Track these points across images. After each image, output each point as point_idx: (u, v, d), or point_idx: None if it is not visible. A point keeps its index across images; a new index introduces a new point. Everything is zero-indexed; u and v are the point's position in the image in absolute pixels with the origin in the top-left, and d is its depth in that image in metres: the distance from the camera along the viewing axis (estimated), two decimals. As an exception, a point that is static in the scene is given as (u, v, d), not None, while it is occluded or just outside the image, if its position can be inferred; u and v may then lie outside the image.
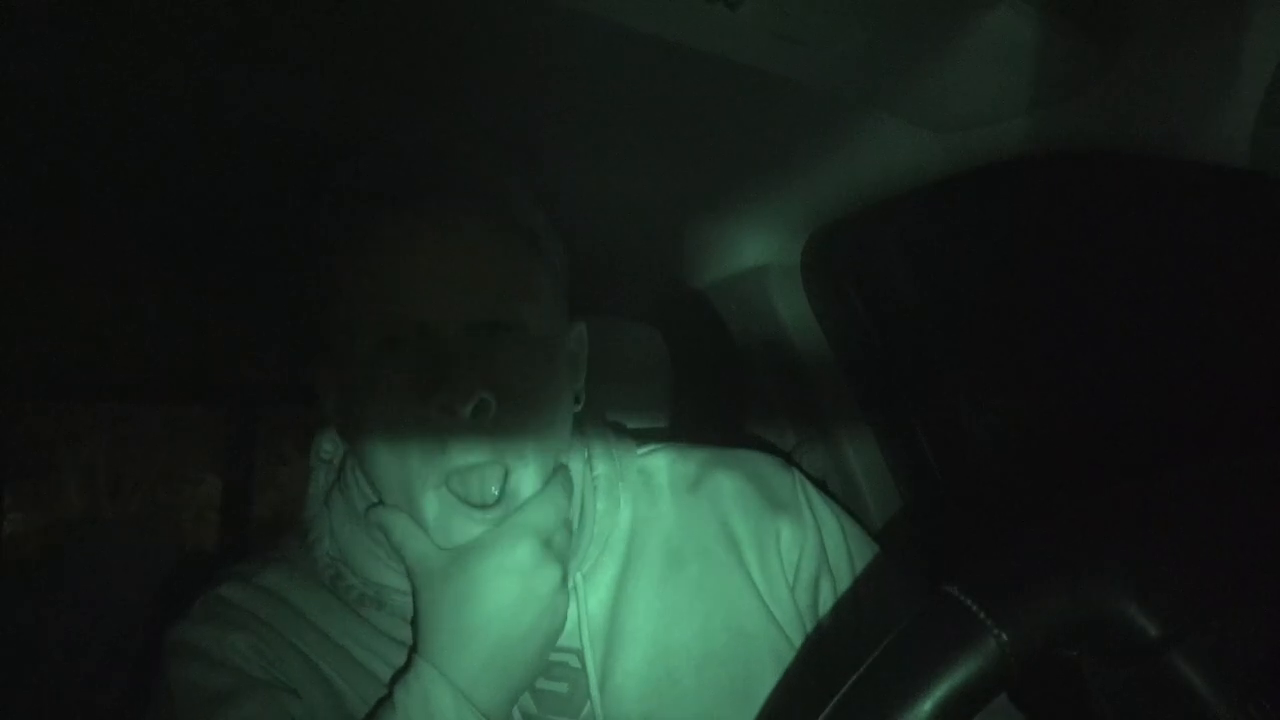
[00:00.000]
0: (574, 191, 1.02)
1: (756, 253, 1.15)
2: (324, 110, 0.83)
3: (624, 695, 0.68)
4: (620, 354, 1.18)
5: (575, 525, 0.72)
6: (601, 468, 0.76)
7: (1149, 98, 0.66)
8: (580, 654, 0.69)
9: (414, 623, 0.66)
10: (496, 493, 0.64)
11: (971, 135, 0.80)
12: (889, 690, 0.37)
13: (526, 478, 0.66)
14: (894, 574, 0.80)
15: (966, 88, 0.73)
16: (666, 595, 0.72)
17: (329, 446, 0.77)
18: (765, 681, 0.70)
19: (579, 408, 0.74)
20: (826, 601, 0.75)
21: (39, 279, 1.37)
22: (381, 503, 0.69)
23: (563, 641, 0.69)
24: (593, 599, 0.72)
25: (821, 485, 1.13)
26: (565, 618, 0.67)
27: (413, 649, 0.65)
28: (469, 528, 0.64)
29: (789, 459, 1.16)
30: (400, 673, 0.64)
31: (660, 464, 0.80)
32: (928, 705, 0.36)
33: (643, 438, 0.85)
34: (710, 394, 1.40)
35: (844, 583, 0.76)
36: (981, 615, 0.38)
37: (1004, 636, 0.37)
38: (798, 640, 0.73)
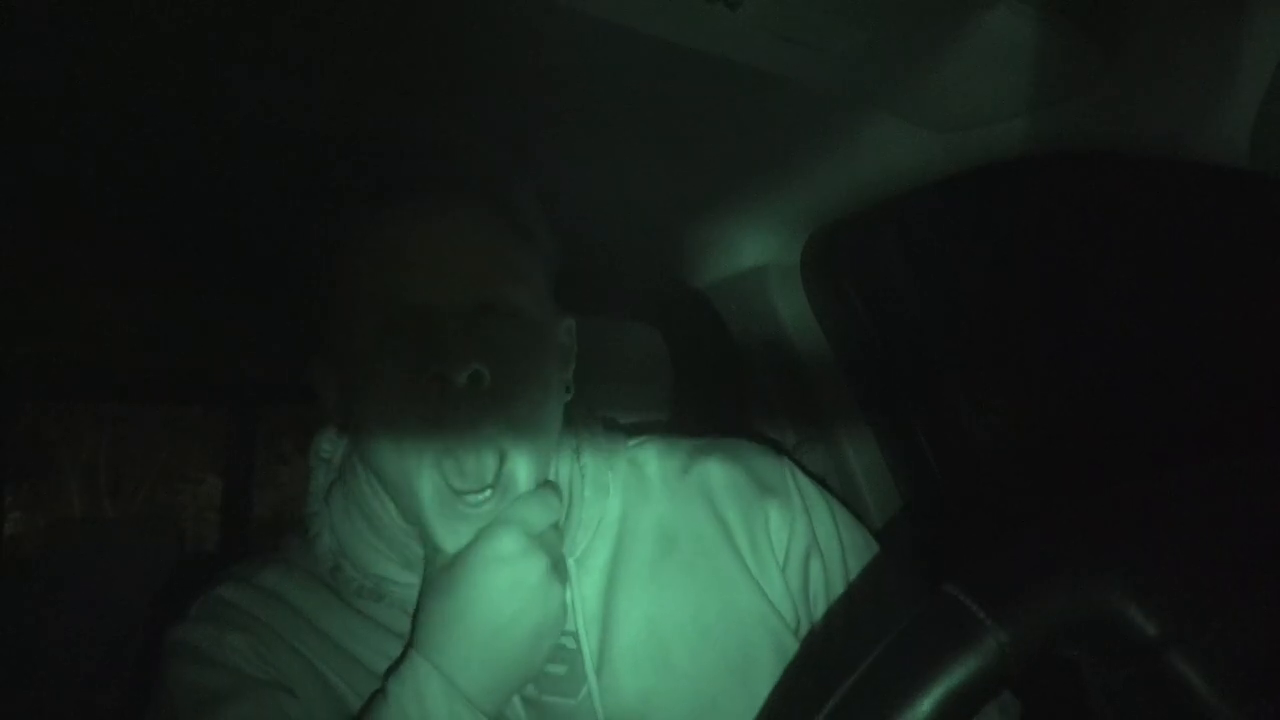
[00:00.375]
0: (574, 191, 1.03)
1: (756, 253, 1.15)
2: (324, 110, 0.83)
3: (620, 675, 0.70)
4: (620, 354, 1.19)
5: (565, 513, 0.74)
6: (590, 457, 0.78)
7: (1149, 98, 0.66)
8: (576, 636, 0.71)
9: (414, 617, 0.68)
10: (491, 479, 0.65)
11: (971, 135, 0.80)
12: (888, 690, 0.37)
13: (521, 463, 0.67)
14: (885, 559, 0.82)
15: (966, 88, 0.73)
16: (659, 577, 0.74)
17: (327, 446, 0.78)
18: (761, 659, 0.72)
19: (569, 397, 0.75)
20: (817, 581, 0.77)
21: (39, 279, 1.37)
22: (390, 500, 0.71)
23: None
24: (586, 582, 0.73)
25: (821, 485, 1.13)
26: (558, 610, 0.67)
27: (409, 644, 0.66)
28: (466, 519, 0.65)
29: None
30: (394, 665, 0.65)
31: (649, 454, 0.82)
32: (927, 705, 0.36)
33: (635, 433, 0.87)
34: (710, 394, 1.40)
35: (834, 563, 0.78)
36: (981, 615, 0.38)
37: (1004, 636, 0.37)
38: (791, 619, 0.75)
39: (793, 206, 1.06)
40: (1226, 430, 0.78)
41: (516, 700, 0.68)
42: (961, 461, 1.08)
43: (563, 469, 0.76)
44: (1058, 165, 0.79)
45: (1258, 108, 0.59)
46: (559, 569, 0.68)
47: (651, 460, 0.82)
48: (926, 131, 0.82)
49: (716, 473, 0.80)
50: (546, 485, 0.70)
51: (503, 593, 0.64)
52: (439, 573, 0.67)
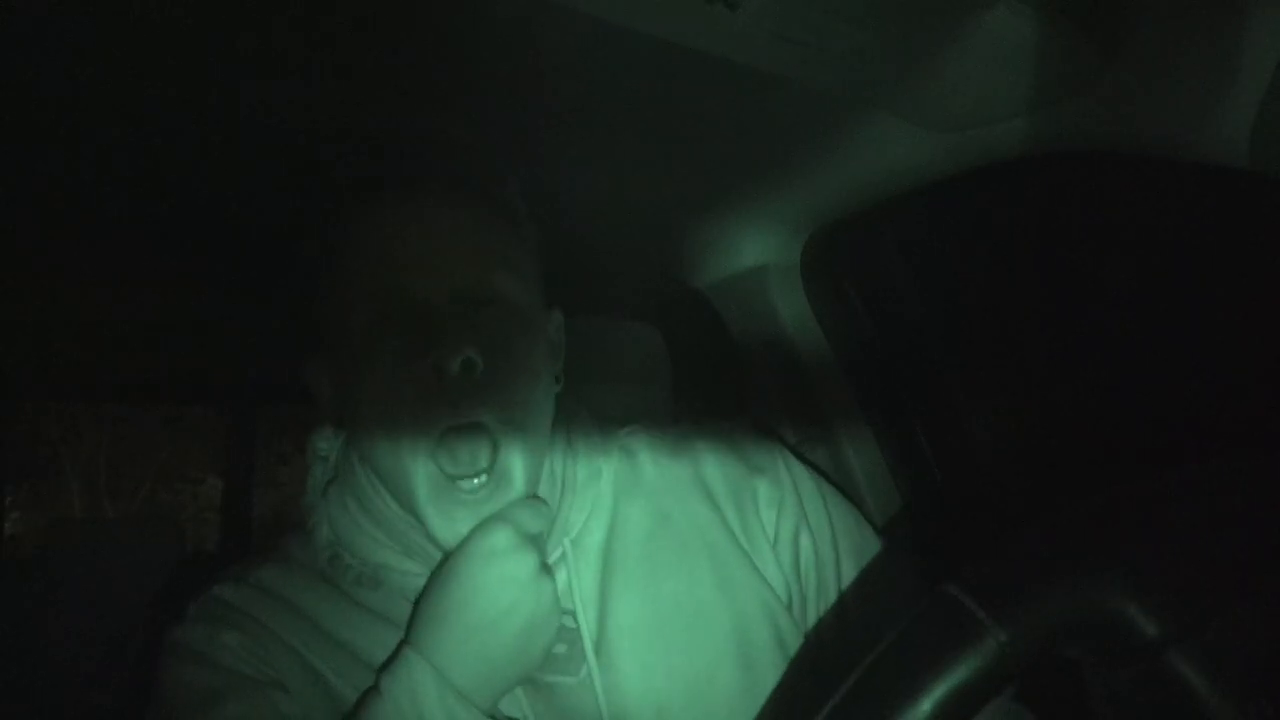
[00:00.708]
0: (574, 191, 1.03)
1: (756, 253, 1.15)
2: (323, 110, 0.83)
3: (619, 651, 0.71)
4: (620, 354, 1.19)
5: (559, 496, 0.75)
6: (582, 444, 0.80)
7: (1149, 98, 0.66)
8: (574, 615, 0.72)
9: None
10: (485, 465, 0.66)
11: (971, 135, 0.80)
12: (888, 690, 0.37)
13: (515, 450, 0.67)
14: (882, 545, 0.84)
15: (966, 88, 0.73)
16: (655, 555, 0.75)
17: (324, 444, 0.79)
18: (756, 634, 0.73)
19: (559, 388, 0.77)
20: (807, 557, 0.78)
21: (39, 279, 1.37)
22: (387, 492, 0.71)
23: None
24: (583, 563, 0.74)
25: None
26: (550, 606, 0.67)
27: (404, 639, 0.67)
28: (462, 505, 0.66)
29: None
30: (389, 660, 0.65)
31: (641, 440, 0.84)
32: (927, 705, 0.36)
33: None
34: (710, 394, 1.40)
35: (824, 540, 0.79)
36: (981, 615, 0.38)
37: (1004, 636, 0.37)
38: (784, 594, 0.76)
39: (793, 206, 1.06)
40: (1226, 430, 0.78)
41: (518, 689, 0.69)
42: (961, 461, 1.08)
43: (555, 455, 0.77)
44: (1058, 165, 0.79)
45: (1258, 108, 0.59)
46: (546, 572, 0.69)
47: (643, 447, 0.83)
48: (926, 131, 0.82)
49: (707, 454, 0.82)
50: (536, 498, 0.72)
51: (495, 587, 0.65)
52: (436, 569, 0.68)
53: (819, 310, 1.16)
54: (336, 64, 0.74)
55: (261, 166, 0.95)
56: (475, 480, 0.66)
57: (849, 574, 0.79)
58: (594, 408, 0.87)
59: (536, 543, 0.69)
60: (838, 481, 1.13)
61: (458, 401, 0.64)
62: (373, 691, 0.63)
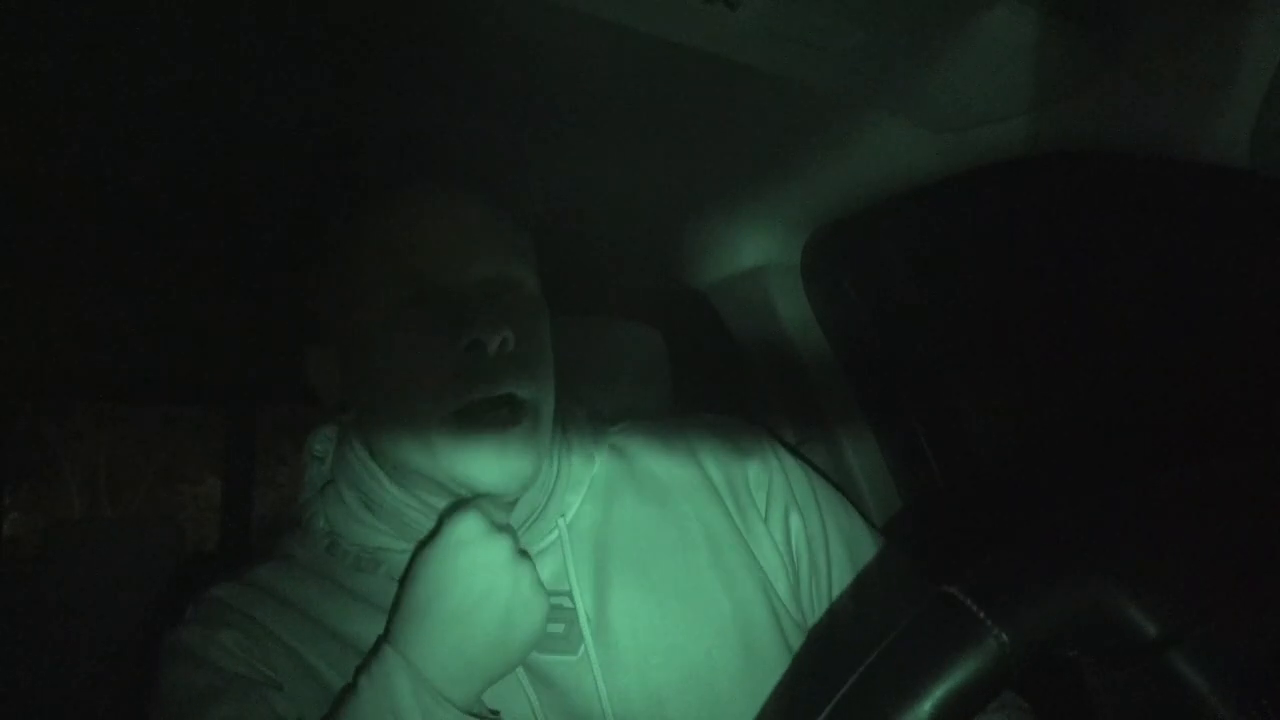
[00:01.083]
0: (575, 191, 1.03)
1: (756, 253, 1.15)
2: (324, 110, 0.83)
3: (617, 630, 0.72)
4: (620, 354, 1.19)
5: (555, 478, 0.77)
6: (575, 432, 0.82)
7: (1149, 98, 0.66)
8: (570, 595, 0.73)
9: None
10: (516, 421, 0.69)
11: (971, 135, 0.80)
12: (889, 690, 0.37)
13: (536, 423, 0.71)
14: (861, 517, 0.87)
15: (966, 88, 0.73)
16: (650, 537, 0.77)
17: (320, 447, 0.81)
18: (754, 613, 0.75)
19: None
20: (798, 536, 0.81)
21: (39, 279, 1.37)
22: (394, 483, 0.73)
23: (554, 585, 0.72)
24: (578, 543, 0.76)
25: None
26: (530, 590, 0.66)
27: (381, 636, 0.67)
28: (489, 440, 0.68)
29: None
30: (367, 657, 0.65)
31: (632, 434, 0.86)
32: (927, 705, 0.36)
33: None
34: (710, 394, 1.40)
35: (813, 521, 0.82)
36: (981, 615, 0.38)
37: (1004, 636, 0.37)
38: (778, 571, 0.79)
39: (793, 206, 1.06)
40: (1226, 430, 0.78)
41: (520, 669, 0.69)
42: (961, 461, 1.08)
43: (553, 442, 0.79)
44: (1058, 165, 0.79)
45: (1258, 108, 0.59)
46: (523, 558, 0.67)
47: (635, 440, 0.86)
48: (926, 131, 0.82)
49: (698, 439, 0.85)
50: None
51: (465, 575, 0.64)
52: (410, 560, 0.68)
53: (819, 310, 1.16)
54: (336, 64, 0.74)
55: (261, 166, 0.95)
56: (504, 426, 0.69)
57: (838, 553, 0.82)
58: (594, 407, 0.87)
59: (509, 531, 0.68)
60: (838, 481, 1.13)
61: (493, 375, 0.68)
62: (350, 689, 0.63)
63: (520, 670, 0.69)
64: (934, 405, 1.10)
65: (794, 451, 0.89)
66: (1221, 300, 0.82)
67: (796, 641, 0.77)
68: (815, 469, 0.88)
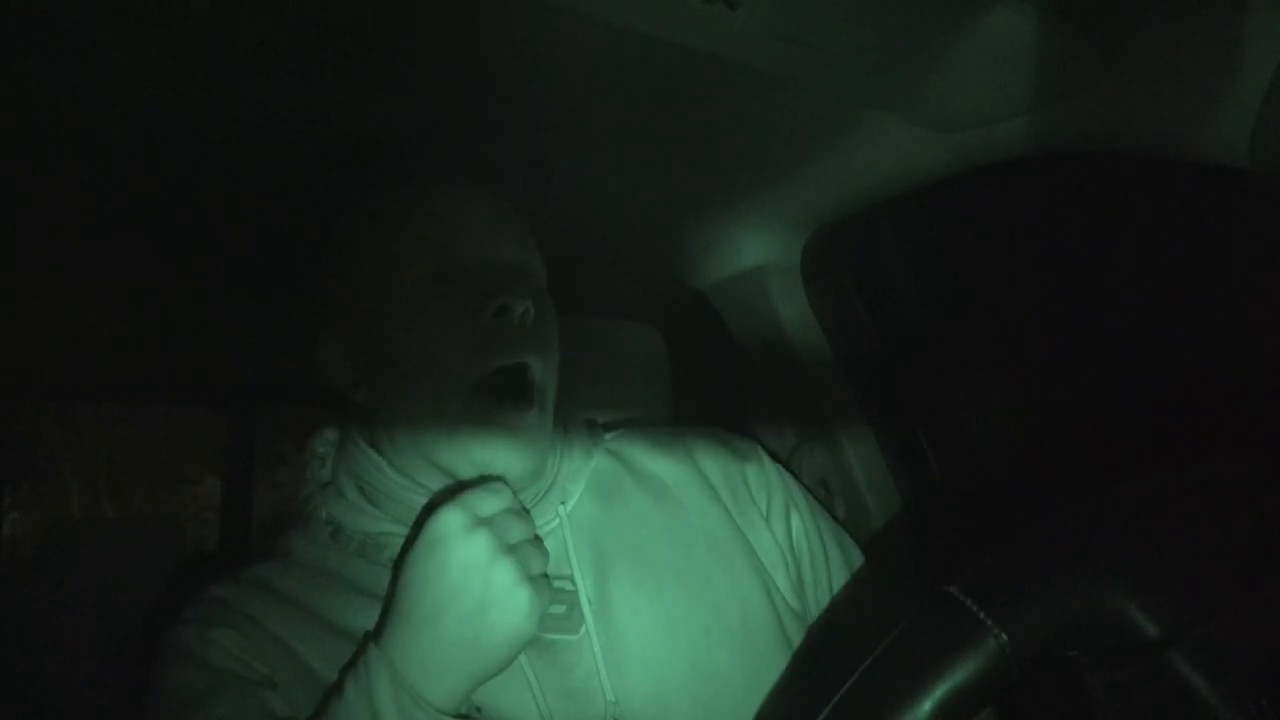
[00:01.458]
0: (575, 191, 1.03)
1: (756, 253, 1.15)
2: (324, 110, 0.83)
3: (618, 610, 0.73)
4: (620, 354, 1.19)
5: (557, 464, 0.80)
6: (574, 431, 0.84)
7: (1149, 98, 0.66)
8: (572, 578, 0.74)
9: None
10: (529, 399, 0.72)
11: (971, 135, 0.80)
12: (889, 690, 0.38)
13: (545, 399, 0.74)
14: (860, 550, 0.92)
15: (966, 87, 0.73)
16: (647, 525, 0.79)
17: (321, 447, 0.83)
18: (752, 600, 0.77)
19: None
20: (799, 534, 0.85)
21: (39, 279, 1.37)
22: (395, 470, 0.75)
23: (555, 570, 0.73)
24: (578, 529, 0.77)
25: (822, 485, 1.14)
26: (509, 585, 0.64)
27: (368, 633, 0.67)
28: (502, 425, 0.71)
29: (789, 458, 1.17)
30: (353, 656, 0.65)
31: (628, 436, 0.89)
32: (928, 705, 0.36)
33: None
34: (710, 394, 1.40)
35: (809, 520, 0.87)
36: (981, 615, 0.38)
37: (1004, 636, 0.37)
38: (782, 569, 0.82)
39: (793, 206, 1.06)
40: (1226, 430, 0.78)
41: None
42: (961, 461, 1.08)
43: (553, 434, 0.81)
44: (1058, 165, 0.79)
45: (1258, 108, 0.59)
46: (505, 553, 0.65)
47: (630, 442, 0.88)
48: (926, 131, 0.82)
49: (693, 443, 0.88)
50: (498, 480, 0.71)
51: (436, 575, 0.63)
52: (397, 558, 0.69)
53: (819, 310, 1.16)
54: (336, 64, 0.74)
55: (262, 166, 0.95)
56: (519, 405, 0.71)
57: (835, 554, 0.87)
58: (594, 407, 0.88)
59: (493, 525, 0.66)
60: (838, 481, 1.14)
61: (515, 343, 0.72)
62: (336, 687, 0.63)
63: (522, 656, 0.69)
64: (934, 405, 1.10)
65: (822, 486, 0.97)
66: (1221, 300, 0.82)
67: (794, 630, 0.78)
68: (827, 485, 0.96)
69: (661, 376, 1.24)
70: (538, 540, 0.69)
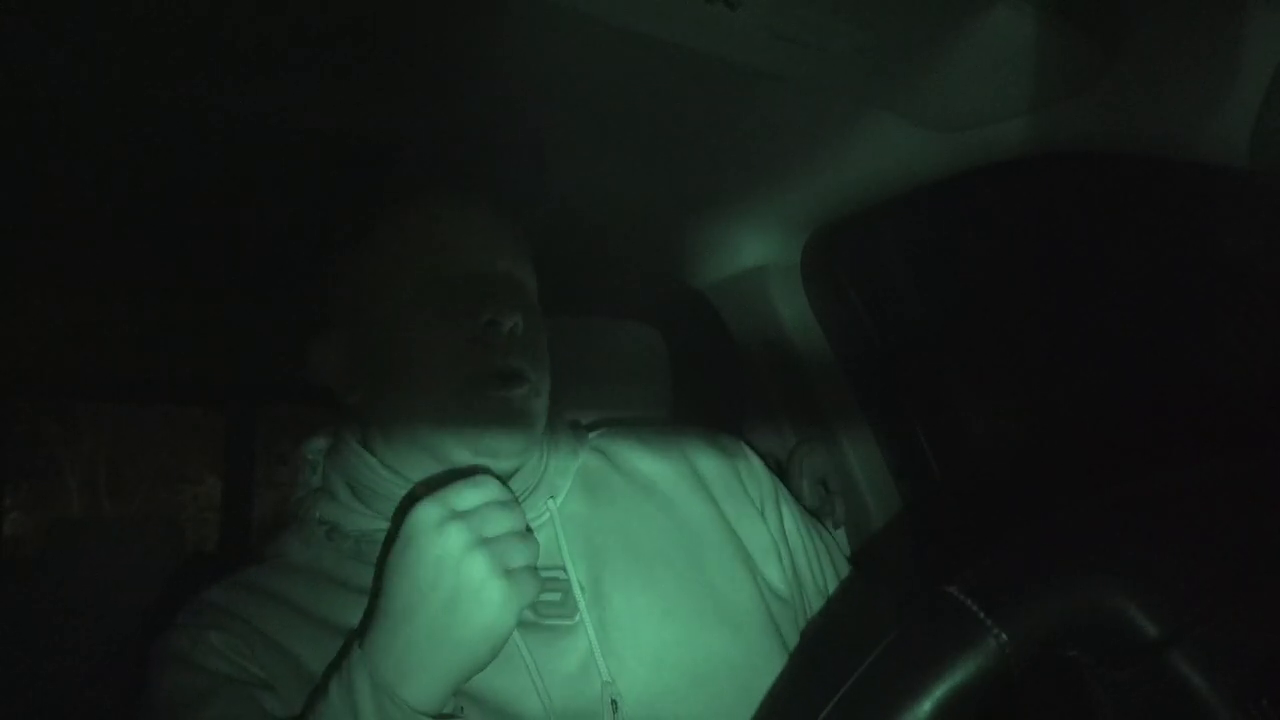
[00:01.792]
0: (575, 192, 1.03)
1: (756, 253, 1.15)
2: (324, 111, 0.83)
3: (611, 597, 0.75)
4: (620, 354, 1.19)
5: (545, 460, 0.80)
6: (560, 430, 0.85)
7: (1149, 98, 0.66)
8: (564, 567, 0.75)
9: None
10: (523, 394, 0.74)
11: (971, 135, 0.80)
12: (889, 690, 0.37)
13: (537, 387, 0.76)
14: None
15: (966, 87, 0.73)
16: (636, 517, 0.81)
17: (311, 455, 0.84)
18: (741, 584, 0.79)
19: None
20: (790, 527, 0.87)
21: (39, 279, 1.37)
22: (386, 468, 0.76)
23: (547, 560, 0.74)
24: (569, 521, 0.79)
25: (822, 485, 1.14)
26: (479, 580, 0.62)
27: (353, 631, 0.67)
28: (497, 407, 0.72)
29: (788, 458, 1.17)
30: (337, 657, 0.65)
31: (612, 435, 0.91)
32: (928, 705, 0.36)
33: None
34: (710, 394, 1.40)
35: (798, 515, 0.89)
36: (981, 615, 0.38)
37: (1004, 636, 0.37)
38: (776, 561, 0.84)
39: (793, 206, 1.06)
40: (1226, 430, 0.78)
41: (519, 632, 0.69)
42: (961, 461, 1.08)
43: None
44: (1058, 165, 0.79)
45: (1258, 108, 0.59)
46: (480, 547, 0.64)
47: (614, 441, 0.89)
48: (926, 131, 0.82)
49: (684, 439, 0.90)
50: (486, 473, 0.70)
51: (412, 568, 0.63)
52: (379, 557, 0.69)
53: (819, 310, 1.16)
54: (336, 65, 0.75)
55: (261, 167, 0.95)
56: (516, 386, 0.73)
57: (823, 549, 0.90)
58: (594, 407, 0.88)
59: (470, 519, 0.65)
60: (838, 481, 1.14)
61: (508, 350, 0.74)
62: (320, 689, 0.63)
63: (517, 636, 0.69)
64: (934, 405, 1.10)
65: (822, 486, 1.00)
66: (1221, 300, 0.82)
67: (783, 618, 0.81)
68: (827, 486, 0.98)
69: (661, 376, 1.24)
70: (528, 533, 0.67)
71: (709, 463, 0.88)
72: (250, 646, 0.68)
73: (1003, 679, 0.37)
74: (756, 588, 0.80)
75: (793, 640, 0.81)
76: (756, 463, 0.91)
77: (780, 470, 1.19)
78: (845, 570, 0.92)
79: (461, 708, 0.66)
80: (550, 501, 0.79)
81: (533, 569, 0.66)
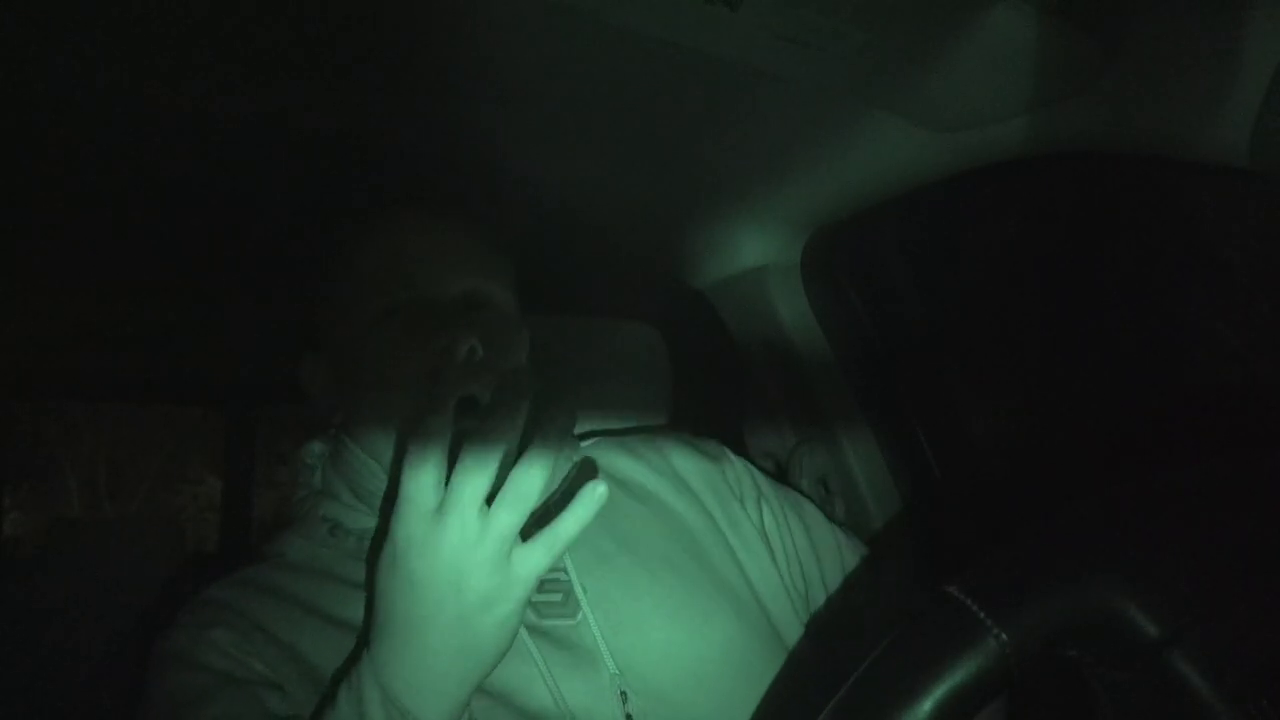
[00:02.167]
0: (574, 192, 1.03)
1: (756, 253, 1.15)
2: (323, 111, 0.83)
3: (613, 595, 0.76)
4: (620, 354, 1.19)
5: None
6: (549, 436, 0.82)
7: (1149, 98, 0.66)
8: (565, 569, 0.76)
9: None
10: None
11: (971, 135, 0.80)
12: (889, 690, 0.38)
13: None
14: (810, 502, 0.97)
15: (966, 87, 0.73)
16: (631, 517, 0.82)
17: (310, 460, 0.84)
18: (735, 579, 0.81)
19: None
20: (770, 521, 0.89)
21: (39, 279, 1.37)
22: (378, 465, 0.76)
23: None
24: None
25: (822, 485, 1.14)
26: (488, 593, 0.59)
27: (359, 637, 0.67)
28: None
29: (788, 458, 1.17)
30: (345, 665, 0.65)
31: (600, 443, 0.92)
32: (928, 705, 0.36)
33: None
34: (710, 394, 1.40)
35: (778, 511, 0.90)
36: (981, 615, 0.38)
37: (1004, 636, 0.37)
38: (763, 555, 0.85)
39: (793, 206, 1.06)
40: (1226, 430, 0.78)
41: (522, 628, 0.67)
42: (961, 461, 1.08)
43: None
44: (1058, 165, 0.79)
45: (1258, 108, 0.59)
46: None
47: (603, 449, 0.91)
48: (926, 131, 0.82)
49: (666, 445, 0.92)
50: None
51: (411, 588, 0.60)
52: (370, 556, 0.70)
53: (819, 310, 1.15)
54: (336, 64, 0.75)
55: (261, 167, 0.95)
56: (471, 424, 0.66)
57: (804, 541, 0.90)
58: (594, 408, 0.88)
59: (449, 510, 0.61)
60: (838, 481, 1.14)
61: (464, 377, 0.70)
62: (329, 698, 0.62)
63: (525, 635, 0.70)
64: (934, 405, 1.10)
65: (823, 486, 1.02)
66: (1221, 300, 0.82)
67: (779, 608, 0.82)
68: (827, 486, 1.00)
69: (661, 376, 1.24)
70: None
71: (694, 467, 0.90)
72: (252, 642, 0.68)
73: (1003, 679, 0.37)
74: (749, 583, 0.82)
75: (794, 633, 0.82)
76: (737, 461, 0.93)
77: (780, 470, 1.19)
78: (854, 563, 0.92)
79: (469, 699, 0.66)
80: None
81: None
